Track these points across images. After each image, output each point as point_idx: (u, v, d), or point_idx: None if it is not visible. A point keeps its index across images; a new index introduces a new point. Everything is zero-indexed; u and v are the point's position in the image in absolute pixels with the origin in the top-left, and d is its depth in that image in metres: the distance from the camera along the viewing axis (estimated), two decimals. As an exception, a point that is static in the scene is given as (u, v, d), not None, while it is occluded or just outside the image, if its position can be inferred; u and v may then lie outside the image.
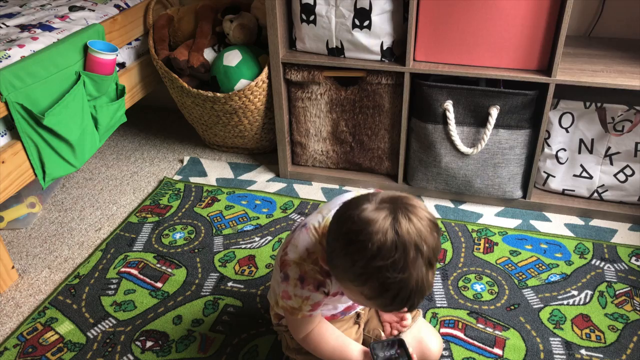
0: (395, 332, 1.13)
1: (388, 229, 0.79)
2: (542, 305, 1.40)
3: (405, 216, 0.81)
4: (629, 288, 1.45)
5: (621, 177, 1.66)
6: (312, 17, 1.67)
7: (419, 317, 1.15)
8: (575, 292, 1.44)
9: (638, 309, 1.38)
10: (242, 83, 1.84)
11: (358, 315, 1.16)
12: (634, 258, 1.55)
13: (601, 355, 1.27)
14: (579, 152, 1.67)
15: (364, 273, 0.82)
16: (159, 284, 1.51)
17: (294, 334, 1.07)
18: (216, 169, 2.05)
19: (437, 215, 1.75)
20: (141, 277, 1.54)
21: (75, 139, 1.60)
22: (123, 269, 1.57)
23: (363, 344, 1.15)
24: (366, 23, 1.62)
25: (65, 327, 1.39)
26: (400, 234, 0.79)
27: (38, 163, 1.54)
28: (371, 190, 1.01)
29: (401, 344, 1.02)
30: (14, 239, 1.73)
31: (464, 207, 1.80)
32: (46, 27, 1.65)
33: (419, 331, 1.13)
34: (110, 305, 1.45)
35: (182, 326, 1.38)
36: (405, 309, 0.86)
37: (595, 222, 1.70)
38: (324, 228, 0.95)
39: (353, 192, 1.01)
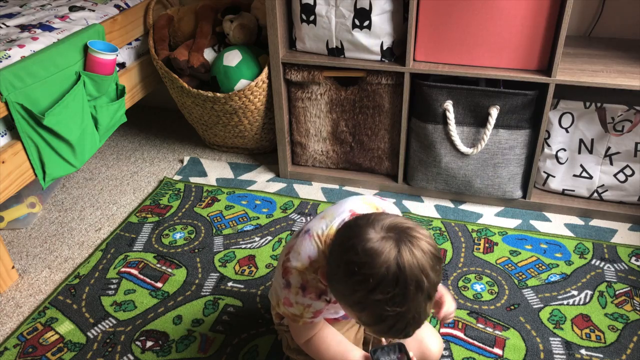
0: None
1: (391, 263, 0.79)
2: (542, 305, 1.40)
3: (408, 249, 0.80)
4: (628, 288, 1.45)
5: (621, 177, 1.66)
6: (312, 17, 1.67)
7: None
8: (575, 292, 1.44)
9: (638, 309, 1.39)
10: (242, 83, 1.84)
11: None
12: (633, 258, 1.55)
13: (601, 355, 1.27)
14: (579, 152, 1.67)
15: (362, 303, 0.82)
16: (159, 284, 1.51)
17: (296, 338, 1.07)
18: (216, 169, 2.05)
19: (437, 216, 1.75)
20: (141, 277, 1.54)
21: (76, 139, 1.60)
22: (123, 269, 1.57)
23: (364, 343, 1.15)
24: (366, 23, 1.62)
25: (65, 327, 1.39)
26: (402, 270, 0.79)
27: (38, 163, 1.54)
28: (376, 203, 1.01)
29: (402, 349, 1.02)
30: (14, 239, 1.73)
31: (464, 207, 1.80)
32: (46, 27, 1.65)
33: (419, 332, 1.13)
34: (111, 305, 1.45)
35: (182, 326, 1.38)
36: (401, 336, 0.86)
37: (595, 222, 1.70)
38: (327, 237, 0.94)
39: (358, 199, 1.00)
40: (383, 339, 1.14)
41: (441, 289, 1.04)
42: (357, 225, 0.85)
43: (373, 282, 0.79)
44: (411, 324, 0.83)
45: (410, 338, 1.10)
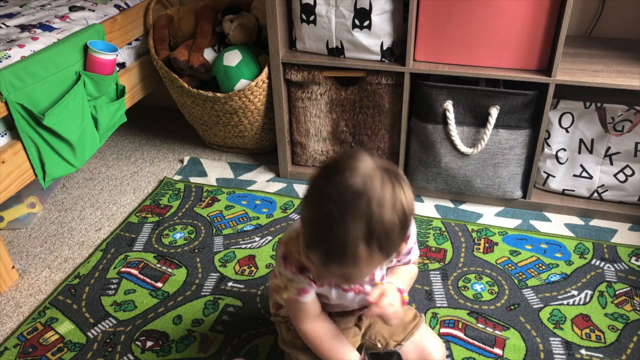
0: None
1: (357, 179, 0.77)
2: (542, 305, 1.40)
3: (380, 181, 0.78)
4: (628, 288, 1.45)
5: (621, 177, 1.66)
6: (312, 17, 1.67)
7: (422, 323, 1.14)
8: (575, 292, 1.44)
9: (638, 308, 1.38)
10: (242, 83, 1.84)
11: (360, 318, 1.16)
12: (633, 258, 1.55)
13: (601, 355, 1.27)
14: (579, 152, 1.67)
15: (312, 218, 0.81)
16: (159, 284, 1.51)
17: (294, 322, 1.07)
18: (216, 169, 2.05)
19: (437, 215, 1.75)
20: (141, 277, 1.54)
21: (76, 139, 1.60)
22: (123, 269, 1.57)
23: (359, 349, 1.14)
24: (366, 23, 1.62)
25: (65, 327, 1.39)
26: (362, 186, 0.77)
27: (38, 163, 1.54)
28: None
29: (398, 357, 1.02)
30: (14, 239, 1.73)
31: (464, 207, 1.80)
32: (46, 27, 1.65)
33: (421, 338, 1.12)
34: (111, 305, 1.45)
35: (182, 326, 1.38)
36: (322, 262, 0.82)
37: (595, 222, 1.70)
38: None
39: None
40: (379, 344, 1.13)
41: (389, 289, 0.97)
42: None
43: (327, 191, 0.78)
44: (346, 254, 0.78)
45: (411, 344, 1.10)
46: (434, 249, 1.60)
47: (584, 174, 1.69)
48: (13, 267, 1.55)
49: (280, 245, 0.98)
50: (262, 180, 1.97)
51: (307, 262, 0.91)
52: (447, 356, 1.27)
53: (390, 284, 1.00)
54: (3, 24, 1.67)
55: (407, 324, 1.13)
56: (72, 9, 1.81)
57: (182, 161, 2.12)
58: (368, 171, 0.79)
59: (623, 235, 1.64)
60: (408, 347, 1.11)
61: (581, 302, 1.41)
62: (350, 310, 1.12)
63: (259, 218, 1.76)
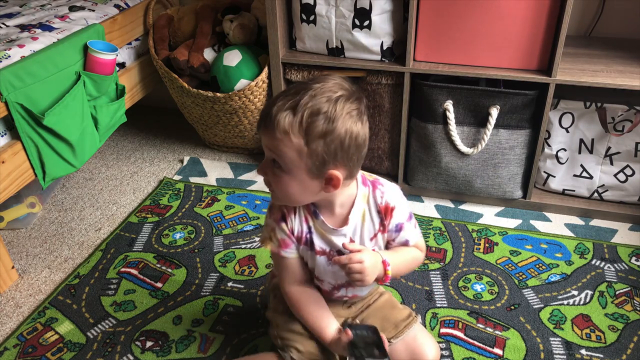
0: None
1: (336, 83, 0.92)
2: (542, 305, 1.40)
3: (354, 97, 0.92)
4: (629, 288, 1.45)
5: (621, 177, 1.66)
6: (312, 17, 1.67)
7: (415, 324, 1.13)
8: (575, 292, 1.44)
9: (638, 309, 1.38)
10: (242, 83, 1.84)
11: (349, 306, 1.17)
12: (634, 258, 1.55)
13: (601, 355, 1.27)
14: (579, 152, 1.67)
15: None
16: (159, 284, 1.51)
17: (280, 283, 1.11)
18: (216, 169, 2.05)
19: (437, 216, 1.75)
20: (141, 277, 1.54)
21: (75, 139, 1.60)
22: (123, 269, 1.57)
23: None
24: (366, 23, 1.62)
25: (65, 327, 1.39)
26: (334, 87, 0.91)
27: (38, 163, 1.54)
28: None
29: (375, 332, 1.01)
30: (14, 239, 1.73)
31: (464, 207, 1.80)
32: (46, 27, 1.65)
33: (414, 338, 1.11)
34: (110, 305, 1.45)
35: (182, 326, 1.38)
36: (260, 127, 0.92)
37: (596, 222, 1.70)
38: None
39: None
40: (357, 322, 1.15)
41: (368, 253, 0.96)
42: None
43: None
44: (270, 117, 0.89)
45: (403, 344, 1.10)
46: (434, 249, 1.60)
47: (584, 174, 1.69)
48: (13, 267, 1.55)
49: (270, 202, 1.07)
50: (262, 180, 1.97)
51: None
52: (447, 356, 1.27)
53: (376, 252, 0.98)
54: (3, 23, 1.67)
55: (399, 322, 1.13)
56: (72, 8, 1.81)
57: (182, 161, 2.12)
58: (328, 83, 0.91)
59: (623, 235, 1.64)
60: (399, 346, 1.10)
61: (581, 302, 1.41)
62: (338, 296, 1.13)
63: (259, 218, 1.76)
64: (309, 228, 1.03)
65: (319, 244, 1.03)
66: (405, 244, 1.06)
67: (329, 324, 1.07)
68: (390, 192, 1.03)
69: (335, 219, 1.02)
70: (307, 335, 1.11)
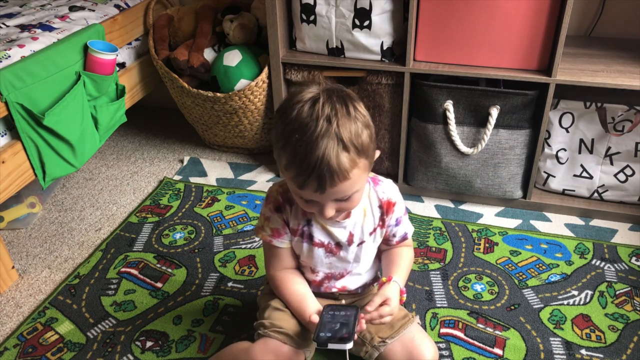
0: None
1: (308, 102, 0.88)
2: (542, 305, 1.40)
3: (331, 98, 0.88)
4: (629, 288, 1.45)
5: (621, 177, 1.66)
6: (312, 17, 1.67)
7: (412, 324, 1.13)
8: (575, 292, 1.44)
9: (638, 309, 1.38)
10: (242, 83, 1.84)
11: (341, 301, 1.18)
12: (634, 258, 1.55)
13: (601, 355, 1.27)
14: (579, 152, 1.67)
15: (283, 137, 0.89)
16: (159, 284, 1.51)
17: (266, 269, 1.13)
18: (216, 169, 2.05)
19: (437, 216, 1.75)
20: (141, 277, 1.54)
21: (76, 139, 1.60)
22: (123, 269, 1.57)
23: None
24: (366, 23, 1.62)
25: (65, 327, 1.39)
26: (316, 108, 0.87)
27: (38, 163, 1.54)
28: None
29: (354, 312, 1.01)
30: (14, 239, 1.73)
31: (464, 207, 1.80)
32: (46, 27, 1.65)
33: (412, 339, 1.11)
34: (110, 305, 1.45)
35: (182, 326, 1.38)
36: (318, 189, 0.89)
37: (596, 222, 1.70)
38: None
39: None
40: (343, 302, 1.17)
41: (393, 293, 1.03)
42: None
43: (292, 115, 0.88)
44: (322, 163, 0.85)
45: (400, 344, 1.10)
46: (434, 249, 1.60)
47: (584, 174, 1.69)
48: (13, 267, 1.55)
49: (268, 190, 1.09)
50: (262, 180, 1.97)
51: (295, 197, 0.98)
52: (447, 356, 1.27)
53: (395, 285, 1.03)
54: (3, 23, 1.67)
55: (395, 322, 1.13)
56: (72, 8, 1.81)
57: (182, 161, 2.12)
58: (314, 95, 0.90)
59: (623, 235, 1.64)
60: (397, 347, 1.10)
61: (581, 302, 1.41)
62: (327, 287, 1.14)
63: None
64: (308, 221, 1.05)
65: (318, 236, 1.06)
66: (404, 237, 1.12)
67: (310, 304, 1.07)
68: (391, 188, 1.08)
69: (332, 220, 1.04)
70: (288, 313, 1.12)
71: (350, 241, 1.07)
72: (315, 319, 1.01)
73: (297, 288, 1.11)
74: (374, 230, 1.09)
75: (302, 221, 1.05)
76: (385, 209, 1.07)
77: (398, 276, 1.07)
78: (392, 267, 1.10)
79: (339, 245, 1.07)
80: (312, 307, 1.07)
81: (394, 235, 1.12)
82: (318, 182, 0.87)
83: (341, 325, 0.98)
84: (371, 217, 1.07)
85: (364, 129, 0.89)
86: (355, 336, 0.97)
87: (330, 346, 0.95)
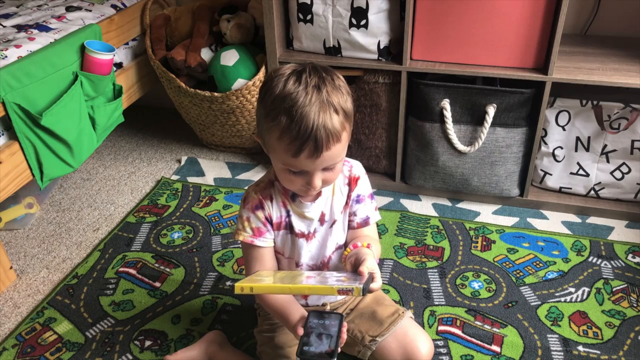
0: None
1: (294, 74, 0.91)
2: (539, 303, 1.41)
3: (315, 69, 0.92)
4: (625, 285, 1.45)
5: (617, 174, 1.66)
6: (309, 17, 1.67)
7: (404, 318, 1.12)
8: (572, 289, 1.45)
9: (635, 305, 1.39)
10: (239, 82, 1.84)
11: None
12: (630, 255, 1.55)
13: (598, 352, 1.27)
14: (576, 150, 1.67)
15: (273, 108, 0.90)
16: (157, 284, 1.51)
17: (246, 272, 1.11)
18: (214, 169, 2.05)
19: (434, 214, 1.76)
20: (139, 276, 1.54)
21: (73, 139, 1.60)
22: (121, 269, 1.57)
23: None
24: (363, 22, 1.62)
25: (63, 327, 1.39)
26: (303, 77, 0.90)
27: (36, 163, 1.54)
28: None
29: (341, 319, 0.97)
30: (12, 240, 1.73)
31: (461, 205, 1.80)
32: (43, 28, 1.65)
33: (405, 333, 1.10)
34: (109, 305, 1.45)
35: (180, 325, 1.38)
36: (314, 154, 0.90)
37: (592, 220, 1.71)
38: None
39: None
40: (328, 308, 1.15)
41: (374, 266, 0.95)
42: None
43: (279, 86, 0.90)
44: (317, 128, 0.87)
45: (395, 340, 1.09)
46: (431, 247, 1.61)
47: (581, 171, 1.70)
48: (11, 267, 1.55)
49: (244, 193, 1.09)
50: (259, 180, 1.97)
51: (281, 174, 0.98)
52: (446, 354, 1.28)
53: (373, 261, 0.95)
54: (0, 24, 1.67)
55: (384, 319, 1.12)
56: (69, 9, 1.81)
57: (179, 161, 2.12)
58: (296, 68, 0.93)
59: (620, 232, 1.65)
60: (391, 343, 1.10)
61: (578, 299, 1.42)
62: (321, 304, 1.14)
63: (257, 217, 1.76)
64: (288, 212, 1.06)
65: (298, 226, 1.07)
66: (366, 221, 1.09)
67: (293, 311, 1.03)
68: (358, 166, 1.11)
69: (309, 197, 1.05)
70: (288, 350, 1.11)
71: (322, 220, 1.07)
72: (302, 331, 0.97)
73: (281, 296, 1.06)
74: (344, 209, 1.09)
75: (283, 211, 1.06)
76: (352, 185, 1.08)
77: (370, 259, 0.96)
78: (363, 241, 1.03)
79: (316, 232, 1.08)
80: (296, 313, 1.02)
81: (355, 214, 1.09)
82: (315, 145, 0.88)
83: (325, 337, 0.96)
84: (340, 195, 1.08)
85: (348, 97, 0.94)
86: (339, 349, 0.94)
87: None
